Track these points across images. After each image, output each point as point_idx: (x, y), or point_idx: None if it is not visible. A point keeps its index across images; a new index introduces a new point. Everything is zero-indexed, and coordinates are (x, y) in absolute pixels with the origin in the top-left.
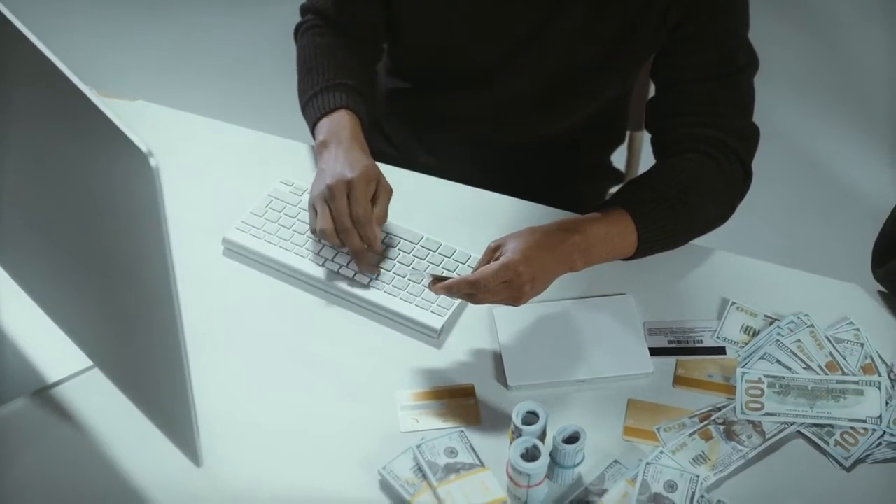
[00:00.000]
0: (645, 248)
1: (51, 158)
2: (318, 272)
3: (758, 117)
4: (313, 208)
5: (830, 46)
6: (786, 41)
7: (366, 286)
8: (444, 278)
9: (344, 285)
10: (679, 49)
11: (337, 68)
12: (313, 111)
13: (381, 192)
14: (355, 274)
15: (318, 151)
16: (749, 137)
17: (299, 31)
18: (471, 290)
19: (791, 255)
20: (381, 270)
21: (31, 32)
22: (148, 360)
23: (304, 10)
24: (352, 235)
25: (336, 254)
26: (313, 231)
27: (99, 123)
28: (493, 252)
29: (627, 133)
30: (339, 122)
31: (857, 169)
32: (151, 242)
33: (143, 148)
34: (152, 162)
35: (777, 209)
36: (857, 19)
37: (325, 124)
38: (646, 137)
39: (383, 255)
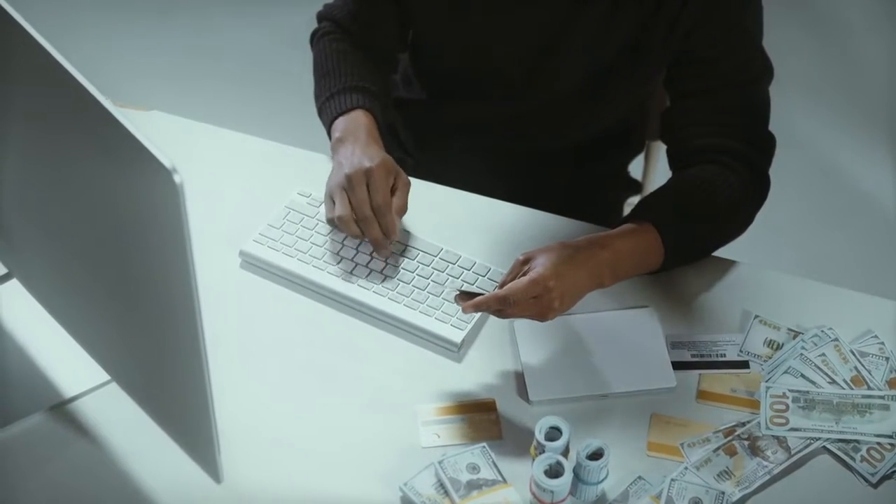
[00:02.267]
0: (671, 262)
1: (71, 172)
2: (337, 285)
3: (772, 126)
4: (330, 198)
5: (843, 53)
6: (798, 48)
7: (389, 301)
8: (471, 294)
9: (363, 298)
10: (693, 59)
11: (353, 72)
12: (329, 112)
13: (399, 185)
14: (373, 287)
15: (334, 148)
16: (766, 146)
17: (315, 38)
18: (500, 306)
19: (807, 266)
20: (400, 283)
21: (52, 46)
22: (168, 375)
23: (320, 17)
24: (371, 224)
25: (355, 266)
26: (330, 221)
27: (122, 138)
28: (521, 266)
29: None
30: (356, 121)
31: (872, 178)
32: (175, 257)
33: (168, 164)
34: (176, 178)
35: (792, 219)
36: (868, 26)
37: (340, 123)
38: (663, 147)
39: (403, 244)
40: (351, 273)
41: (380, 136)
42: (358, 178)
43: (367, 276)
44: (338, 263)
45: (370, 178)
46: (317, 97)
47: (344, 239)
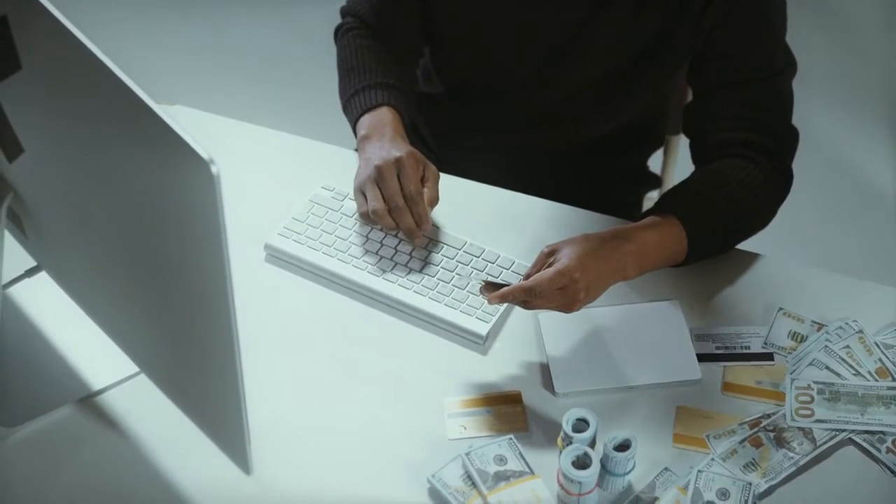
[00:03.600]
0: (695, 254)
1: (107, 165)
2: (362, 278)
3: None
4: (361, 193)
5: (859, 49)
6: (813, 46)
7: (414, 294)
8: (497, 285)
9: (388, 291)
10: (717, 53)
11: (377, 68)
12: (355, 108)
13: (429, 175)
14: (398, 280)
15: (360, 145)
16: (789, 140)
17: (339, 33)
18: (525, 297)
19: (829, 260)
20: (425, 276)
21: (92, 42)
22: (199, 366)
23: (343, 13)
24: (404, 214)
25: (380, 259)
26: (364, 215)
27: (159, 131)
28: (546, 257)
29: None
30: (381, 118)
31: (890, 173)
32: (210, 249)
33: (205, 155)
34: (213, 169)
35: (811, 213)
36: (884, 23)
37: (366, 120)
38: (682, 142)
39: (427, 237)
40: (376, 266)
41: (405, 132)
42: (389, 168)
43: (392, 269)
44: (362, 256)
45: (401, 168)
46: (341, 93)
47: (369, 232)
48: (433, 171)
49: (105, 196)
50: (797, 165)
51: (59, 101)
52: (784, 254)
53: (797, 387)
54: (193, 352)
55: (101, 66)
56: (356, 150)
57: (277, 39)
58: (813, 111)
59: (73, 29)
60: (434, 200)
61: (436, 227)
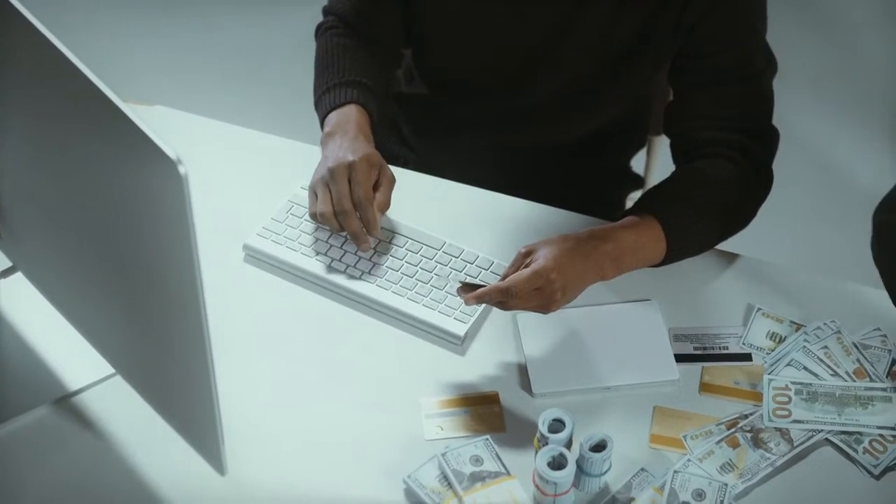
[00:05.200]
0: (674, 255)
1: (77, 165)
2: (340, 279)
3: (774, 120)
4: (313, 192)
5: (843, 48)
6: (798, 44)
7: (392, 295)
8: (474, 286)
9: (366, 292)
10: (697, 52)
11: (351, 67)
12: (324, 106)
13: (383, 180)
14: (377, 281)
15: (323, 142)
16: (769, 140)
17: (319, 31)
18: (502, 298)
19: (810, 261)
20: (403, 276)
21: (58, 39)
22: (173, 367)
23: (325, 12)
24: (351, 218)
25: (358, 260)
26: (312, 215)
27: (127, 131)
28: (523, 258)
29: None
30: (347, 116)
31: (873, 172)
32: (179, 249)
33: (172, 155)
34: (181, 170)
35: (792, 213)
36: (870, 20)
37: (333, 117)
38: (665, 142)
39: (384, 241)
40: (354, 266)
41: (371, 132)
42: (340, 171)
43: (370, 270)
44: (341, 257)
45: (352, 172)
46: (315, 90)
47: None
48: (388, 176)
49: (76, 196)
50: (782, 165)
51: (30, 101)
52: (767, 254)
53: (774, 387)
54: (165, 352)
55: (70, 65)
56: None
57: (263, 40)
58: (798, 110)
59: (42, 28)
60: (384, 205)
61: (413, 228)
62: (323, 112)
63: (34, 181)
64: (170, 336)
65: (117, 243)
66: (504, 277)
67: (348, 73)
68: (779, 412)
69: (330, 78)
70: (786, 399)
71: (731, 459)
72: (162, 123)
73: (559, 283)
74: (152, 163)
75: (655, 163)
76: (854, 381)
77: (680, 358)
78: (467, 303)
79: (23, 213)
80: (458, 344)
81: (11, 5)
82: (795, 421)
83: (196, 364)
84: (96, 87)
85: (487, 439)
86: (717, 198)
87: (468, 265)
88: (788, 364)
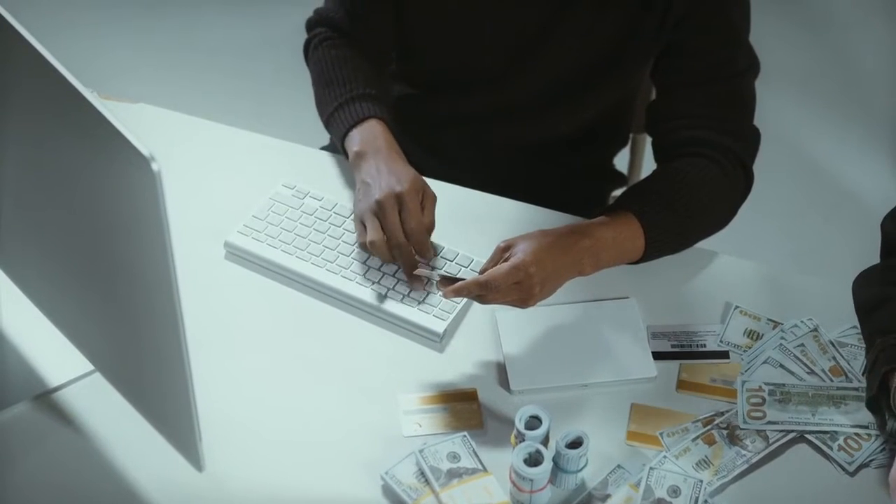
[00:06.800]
0: (652, 252)
1: (51, 161)
2: (321, 276)
3: (758, 119)
4: (361, 222)
5: (831, 47)
6: (786, 42)
7: (372, 292)
8: (452, 279)
9: (346, 289)
10: (679, 52)
11: (357, 79)
12: (340, 123)
13: (427, 202)
14: (356, 278)
15: (354, 163)
16: (750, 140)
17: (311, 46)
18: (481, 291)
19: (792, 258)
20: (383, 274)
21: (30, 34)
22: (149, 364)
23: (312, 24)
24: (406, 251)
25: (338, 257)
26: (363, 245)
27: (100, 127)
28: (502, 252)
29: (630, 136)
30: (372, 132)
31: (858, 171)
32: (153, 247)
33: (145, 152)
34: (154, 167)
35: (777, 212)
36: (857, 20)
37: (356, 135)
38: (648, 140)
39: (432, 267)
40: (334, 264)
41: (398, 146)
42: (390, 203)
43: (350, 267)
44: (321, 254)
45: (402, 203)
46: (322, 107)
47: (327, 230)
48: (430, 196)
49: (52, 193)
50: (766, 164)
51: (2, 97)
52: (753, 251)
53: (748, 389)
54: (142, 349)
55: (43, 61)
56: (348, 162)
57: (248, 38)
58: (783, 110)
59: (14, 21)
60: (432, 226)
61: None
62: (341, 130)
63: (9, 178)
64: (145, 332)
65: (93, 240)
66: (483, 271)
67: (357, 87)
68: (753, 413)
69: (339, 93)
70: (759, 400)
71: (706, 456)
72: (144, 121)
73: (538, 277)
74: (126, 159)
75: (639, 160)
76: (831, 379)
77: (658, 355)
78: (446, 296)
79: None
80: (437, 341)
81: None
82: (770, 422)
83: (172, 361)
84: (69, 83)
85: (465, 436)
86: (697, 197)
87: (448, 262)
88: (765, 362)
